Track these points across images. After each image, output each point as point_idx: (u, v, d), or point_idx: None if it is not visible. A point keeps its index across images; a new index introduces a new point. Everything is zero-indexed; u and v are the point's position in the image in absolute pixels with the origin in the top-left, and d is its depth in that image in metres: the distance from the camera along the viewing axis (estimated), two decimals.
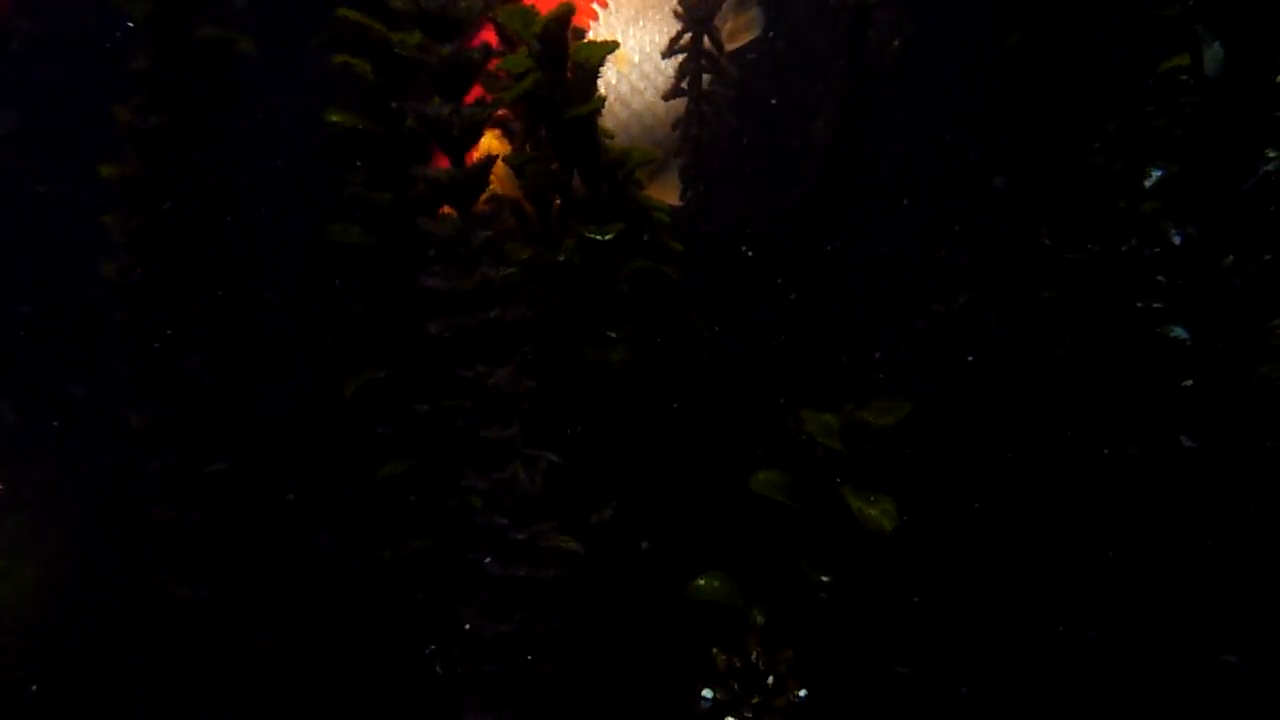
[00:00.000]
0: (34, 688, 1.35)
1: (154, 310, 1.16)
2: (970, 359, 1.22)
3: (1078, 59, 1.08)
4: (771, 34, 1.45)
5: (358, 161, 1.13)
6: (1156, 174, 1.10)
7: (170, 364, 1.17)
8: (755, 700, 0.85)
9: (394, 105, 1.08)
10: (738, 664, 0.87)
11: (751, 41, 1.43)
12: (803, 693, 0.85)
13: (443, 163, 1.00)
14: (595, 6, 1.39)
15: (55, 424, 1.57)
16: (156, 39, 1.12)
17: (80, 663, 1.37)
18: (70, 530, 1.47)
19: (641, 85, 1.36)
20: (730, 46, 1.36)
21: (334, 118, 1.08)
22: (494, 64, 1.05)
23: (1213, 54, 1.08)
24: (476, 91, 1.04)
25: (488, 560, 0.97)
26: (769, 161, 1.47)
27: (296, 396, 1.29)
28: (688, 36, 1.32)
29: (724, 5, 1.34)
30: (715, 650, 0.91)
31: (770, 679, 0.86)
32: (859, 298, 1.37)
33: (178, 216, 1.15)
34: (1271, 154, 1.08)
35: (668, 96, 1.34)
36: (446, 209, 1.01)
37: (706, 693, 0.88)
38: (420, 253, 1.00)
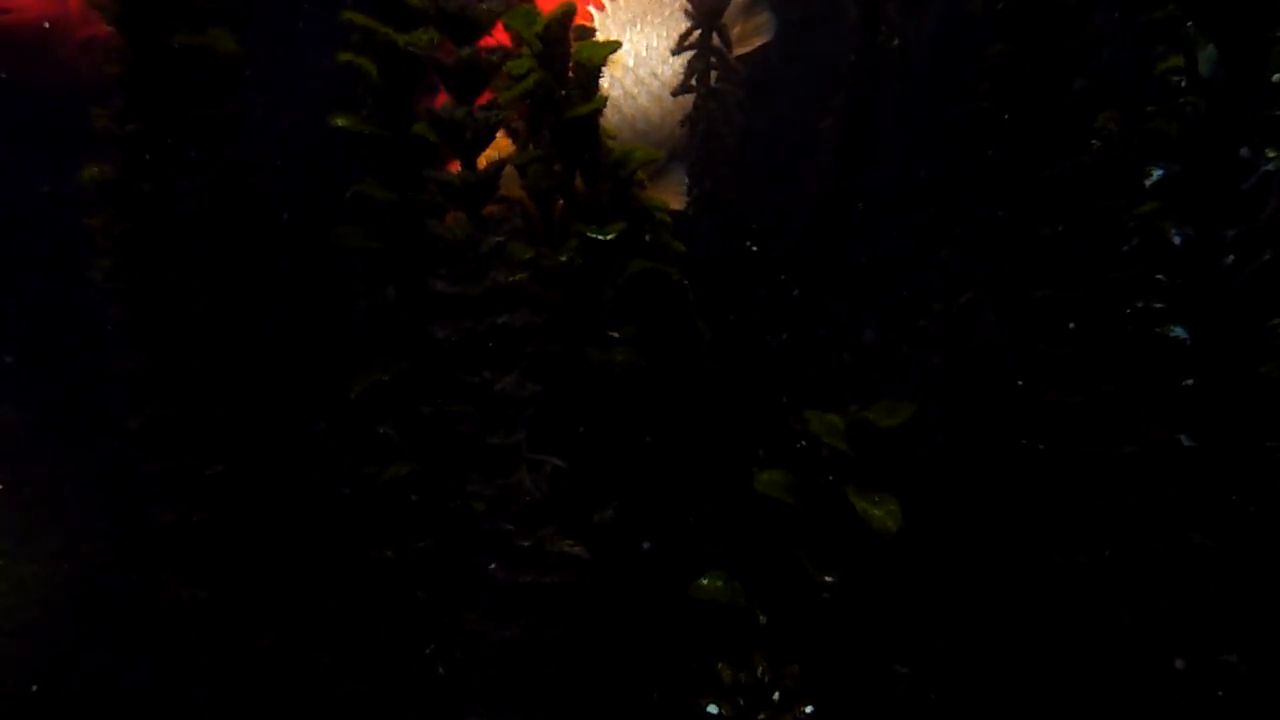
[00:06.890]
0: (34, 688, 1.35)
1: (148, 311, 1.15)
2: (971, 358, 1.23)
3: (1058, 64, 1.08)
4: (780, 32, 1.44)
5: (364, 164, 1.12)
6: (1158, 174, 1.10)
7: (168, 364, 1.16)
8: (761, 716, 0.84)
9: (406, 109, 1.06)
10: (744, 679, 0.86)
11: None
12: (809, 709, 0.84)
13: (450, 166, 0.99)
14: (591, 9, 1.38)
15: (55, 423, 1.57)
16: (130, 42, 1.10)
17: (80, 663, 1.37)
18: (70, 530, 1.46)
19: (636, 90, 1.35)
20: (740, 50, 1.35)
21: (339, 121, 1.07)
22: None
23: (1206, 55, 1.08)
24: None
25: (493, 566, 0.97)
26: (774, 160, 1.46)
27: (300, 398, 1.29)
28: (696, 34, 1.31)
29: (734, 8, 1.33)
30: (721, 665, 0.89)
31: (776, 694, 0.85)
32: (861, 296, 1.37)
33: (164, 220, 1.13)
34: (1271, 154, 1.08)
35: (677, 92, 1.34)
36: (452, 213, 1.00)
37: (711, 708, 0.86)
38: (426, 256, 0.99)
